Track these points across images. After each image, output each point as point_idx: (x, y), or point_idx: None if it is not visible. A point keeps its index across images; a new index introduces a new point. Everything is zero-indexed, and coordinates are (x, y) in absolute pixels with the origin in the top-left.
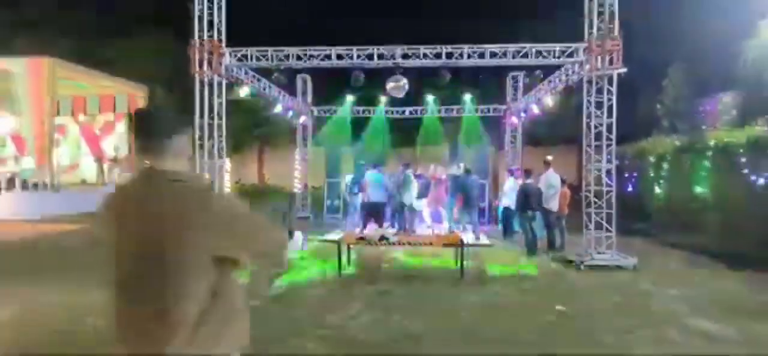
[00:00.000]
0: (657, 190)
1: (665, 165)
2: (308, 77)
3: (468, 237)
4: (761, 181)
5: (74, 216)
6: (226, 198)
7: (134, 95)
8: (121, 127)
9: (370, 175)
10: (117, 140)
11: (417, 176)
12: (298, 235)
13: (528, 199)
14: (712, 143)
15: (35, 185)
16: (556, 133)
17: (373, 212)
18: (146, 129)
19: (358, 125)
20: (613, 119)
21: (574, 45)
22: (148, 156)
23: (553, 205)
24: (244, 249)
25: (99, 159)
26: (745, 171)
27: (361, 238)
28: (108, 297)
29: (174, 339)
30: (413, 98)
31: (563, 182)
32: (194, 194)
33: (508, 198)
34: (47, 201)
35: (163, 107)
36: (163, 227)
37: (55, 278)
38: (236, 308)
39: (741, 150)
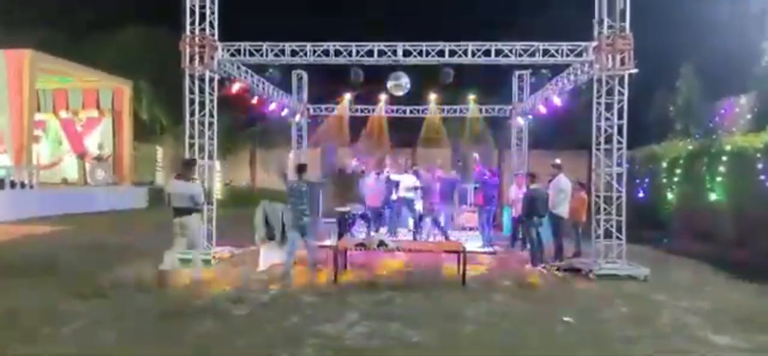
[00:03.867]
0: (669, 196)
1: (678, 170)
2: (304, 74)
3: (472, 244)
4: None
5: (54, 219)
6: (323, 184)
7: (120, 90)
8: (106, 123)
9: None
10: (101, 137)
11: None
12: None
13: (534, 204)
14: (727, 147)
15: (12, 185)
16: (565, 136)
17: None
18: (303, 169)
19: (357, 124)
20: (625, 121)
21: (583, 44)
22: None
23: (563, 211)
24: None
25: (81, 156)
26: (762, 177)
27: (360, 244)
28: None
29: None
30: (414, 96)
31: (581, 186)
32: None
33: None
34: (26, 202)
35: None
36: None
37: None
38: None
39: (758, 155)
